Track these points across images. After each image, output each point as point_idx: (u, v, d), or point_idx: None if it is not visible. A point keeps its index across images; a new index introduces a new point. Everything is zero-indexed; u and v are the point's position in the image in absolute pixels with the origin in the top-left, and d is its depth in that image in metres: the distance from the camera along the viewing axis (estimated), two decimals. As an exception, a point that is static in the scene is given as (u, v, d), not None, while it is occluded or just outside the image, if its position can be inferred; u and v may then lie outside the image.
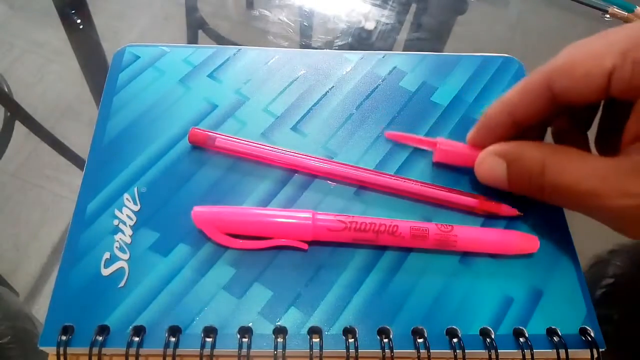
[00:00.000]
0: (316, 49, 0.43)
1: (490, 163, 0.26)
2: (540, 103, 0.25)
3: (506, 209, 0.28)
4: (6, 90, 0.45)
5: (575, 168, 0.23)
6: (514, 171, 0.25)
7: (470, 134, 0.29)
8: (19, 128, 0.42)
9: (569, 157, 0.24)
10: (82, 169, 0.29)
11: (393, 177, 0.29)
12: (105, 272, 0.26)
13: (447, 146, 0.29)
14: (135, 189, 0.28)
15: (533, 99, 0.25)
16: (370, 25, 0.47)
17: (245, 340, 0.24)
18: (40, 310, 0.33)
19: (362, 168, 0.29)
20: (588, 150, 0.28)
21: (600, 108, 0.27)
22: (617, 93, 0.22)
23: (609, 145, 0.26)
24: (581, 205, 0.24)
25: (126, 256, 0.26)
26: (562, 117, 0.28)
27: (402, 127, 0.32)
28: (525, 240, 0.27)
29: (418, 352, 0.24)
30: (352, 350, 0.24)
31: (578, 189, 0.23)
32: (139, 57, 0.34)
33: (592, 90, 0.23)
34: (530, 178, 0.24)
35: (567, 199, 0.24)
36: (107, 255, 0.26)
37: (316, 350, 0.24)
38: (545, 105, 0.25)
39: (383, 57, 0.35)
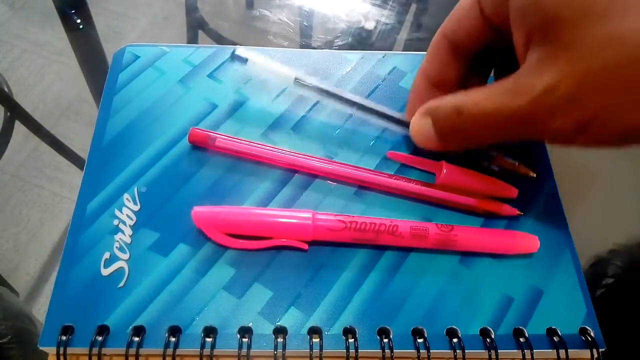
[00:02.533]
0: (316, 49, 0.43)
1: (418, 122, 0.26)
2: (445, 58, 0.27)
3: (506, 209, 0.28)
4: (6, 90, 0.45)
5: (484, 95, 0.23)
6: (437, 122, 0.25)
7: (407, 109, 0.30)
8: (19, 128, 0.42)
9: (477, 90, 0.24)
10: (82, 169, 0.29)
11: (393, 177, 0.29)
12: (105, 272, 0.26)
13: (452, 172, 0.29)
14: (135, 189, 0.28)
15: (440, 58, 0.27)
16: (370, 25, 0.47)
17: (245, 340, 0.24)
18: (40, 310, 0.33)
19: (362, 168, 0.29)
20: None
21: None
22: (492, 17, 0.24)
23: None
24: (500, 128, 0.23)
25: (126, 256, 0.26)
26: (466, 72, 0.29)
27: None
28: (525, 240, 0.27)
29: (418, 352, 0.24)
30: (352, 350, 0.24)
31: (492, 110, 0.23)
32: (139, 57, 0.34)
33: (472, 23, 0.25)
34: (452, 121, 0.25)
35: (489, 127, 0.24)
36: (107, 255, 0.26)
37: (316, 350, 0.24)
38: (450, 58, 0.27)
39: (383, 57, 0.35)
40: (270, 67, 0.30)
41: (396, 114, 0.30)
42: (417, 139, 0.27)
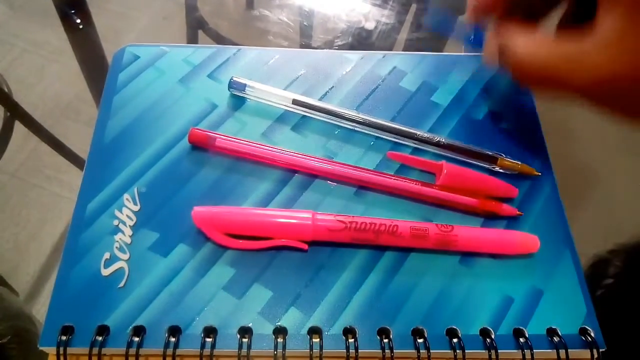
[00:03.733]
0: (316, 49, 0.43)
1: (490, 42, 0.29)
2: None
3: (506, 209, 0.28)
4: (6, 90, 0.45)
5: (546, 49, 0.23)
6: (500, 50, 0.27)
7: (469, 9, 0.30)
8: (19, 128, 0.42)
9: (541, 40, 0.24)
10: (82, 169, 0.29)
11: (393, 177, 0.29)
12: (105, 272, 0.26)
13: (452, 172, 0.29)
14: (135, 189, 0.28)
15: None
16: (370, 25, 0.47)
17: (245, 340, 0.24)
18: (40, 310, 0.33)
19: (362, 168, 0.29)
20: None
21: None
22: None
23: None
24: (545, 85, 0.24)
25: (126, 256, 0.26)
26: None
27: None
28: (525, 240, 0.27)
29: (418, 352, 0.24)
30: (352, 350, 0.24)
31: (547, 68, 0.23)
32: (139, 57, 0.34)
33: None
34: (502, 56, 0.26)
35: (533, 77, 0.24)
36: (107, 255, 0.26)
37: (316, 350, 0.24)
38: None
39: (383, 57, 0.35)
40: (268, 91, 0.31)
41: (397, 126, 0.30)
42: (486, 54, 0.29)
